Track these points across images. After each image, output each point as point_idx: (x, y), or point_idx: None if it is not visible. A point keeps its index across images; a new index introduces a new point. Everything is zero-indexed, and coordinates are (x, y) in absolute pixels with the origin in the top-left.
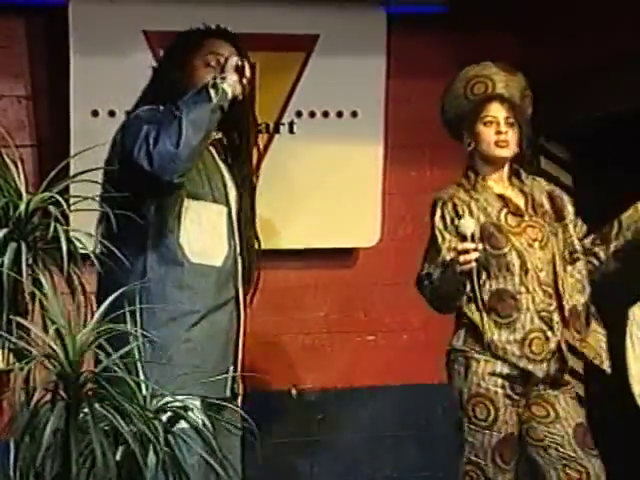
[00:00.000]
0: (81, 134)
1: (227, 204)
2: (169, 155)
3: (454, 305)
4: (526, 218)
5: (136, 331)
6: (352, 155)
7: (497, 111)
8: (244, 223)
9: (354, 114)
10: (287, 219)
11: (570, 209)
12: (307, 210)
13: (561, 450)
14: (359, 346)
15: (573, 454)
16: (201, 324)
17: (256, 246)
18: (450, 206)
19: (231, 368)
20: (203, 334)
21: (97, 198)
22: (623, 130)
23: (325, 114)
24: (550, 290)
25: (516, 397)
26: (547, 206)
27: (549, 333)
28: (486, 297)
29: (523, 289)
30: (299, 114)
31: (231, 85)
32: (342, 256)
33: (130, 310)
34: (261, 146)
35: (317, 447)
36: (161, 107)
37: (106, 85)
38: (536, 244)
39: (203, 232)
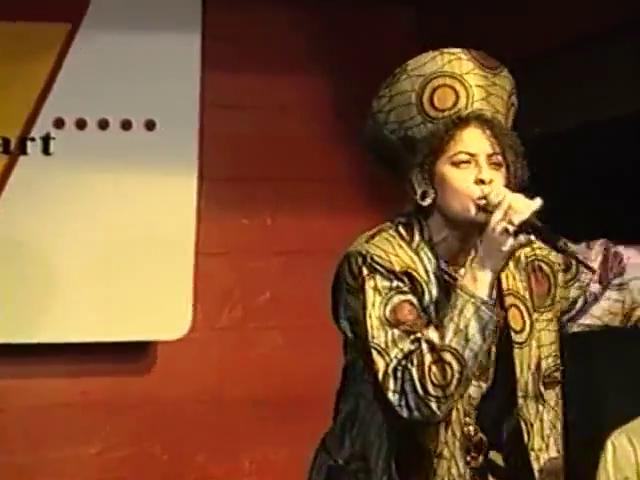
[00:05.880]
0: None
1: None
2: None
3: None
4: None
5: None
6: (147, 192)
7: (475, 143)
8: None
9: (149, 125)
10: (38, 298)
11: (557, 294)
12: (71, 283)
13: None
14: None
15: None
16: None
17: None
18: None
19: None
20: None
21: None
22: None
23: (102, 124)
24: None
25: None
26: (529, 303)
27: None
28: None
29: None
30: (59, 124)
31: None
32: (130, 356)
33: None
34: None
35: None
36: None
37: None
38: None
39: None
